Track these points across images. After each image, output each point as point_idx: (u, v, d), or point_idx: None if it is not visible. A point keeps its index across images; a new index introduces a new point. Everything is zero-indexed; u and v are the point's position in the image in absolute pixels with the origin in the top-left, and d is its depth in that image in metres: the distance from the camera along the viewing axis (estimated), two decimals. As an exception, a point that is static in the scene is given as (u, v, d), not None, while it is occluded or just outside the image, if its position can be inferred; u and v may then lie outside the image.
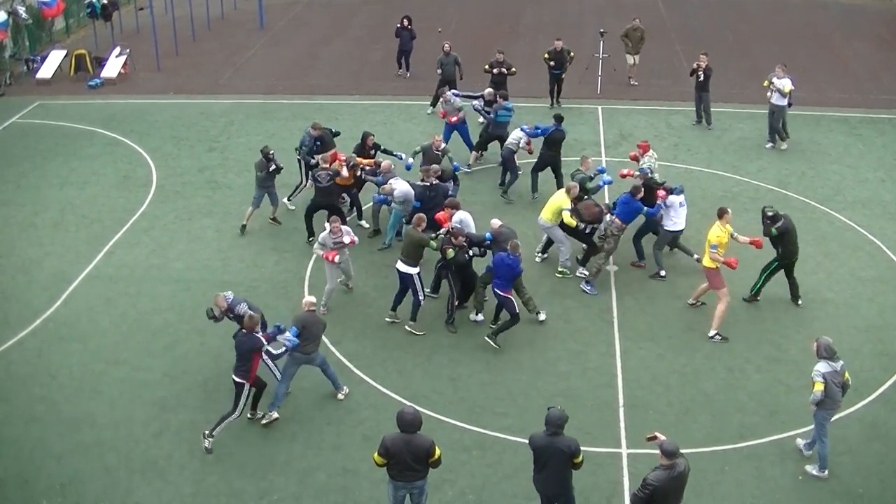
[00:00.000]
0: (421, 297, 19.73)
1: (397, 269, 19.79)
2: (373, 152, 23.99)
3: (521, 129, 25.08)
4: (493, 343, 19.18)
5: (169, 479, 16.05)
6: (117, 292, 21.32)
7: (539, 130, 24.91)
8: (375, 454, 13.90)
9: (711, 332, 19.58)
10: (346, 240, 19.88)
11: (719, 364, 18.85)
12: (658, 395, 17.95)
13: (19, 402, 17.89)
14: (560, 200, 21.07)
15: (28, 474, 16.14)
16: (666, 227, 21.61)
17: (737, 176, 26.30)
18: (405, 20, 33.95)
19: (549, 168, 24.78)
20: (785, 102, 27.65)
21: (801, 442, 16.55)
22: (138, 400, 17.85)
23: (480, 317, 20.21)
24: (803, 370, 18.49)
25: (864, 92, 33.35)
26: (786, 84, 27.36)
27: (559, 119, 24.58)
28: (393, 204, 22.03)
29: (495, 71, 29.03)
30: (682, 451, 13.36)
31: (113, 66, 34.74)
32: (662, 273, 21.63)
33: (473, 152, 26.66)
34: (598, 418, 17.37)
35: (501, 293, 19.01)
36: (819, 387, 15.35)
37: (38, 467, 16.28)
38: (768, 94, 27.78)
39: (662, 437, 13.40)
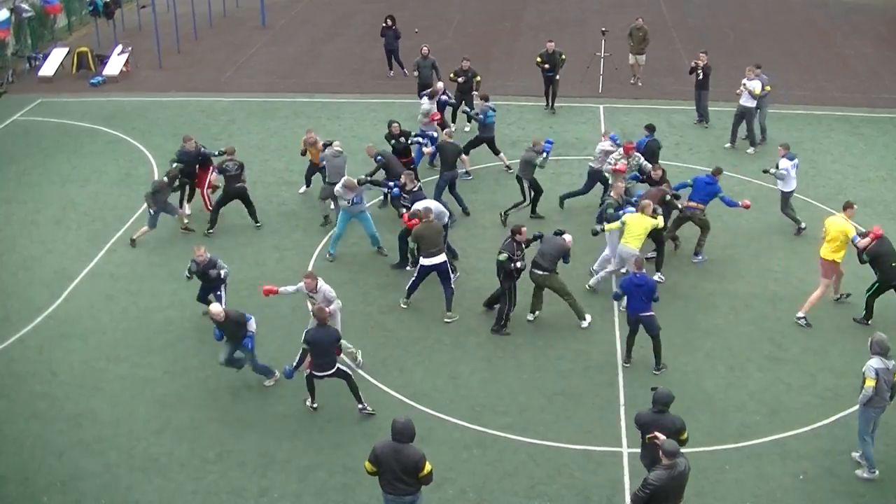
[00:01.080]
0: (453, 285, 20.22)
1: (430, 265, 19.95)
2: (402, 140, 24.35)
3: (612, 139, 24.07)
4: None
5: (169, 477, 16.06)
6: (118, 290, 21.35)
7: (635, 144, 23.90)
8: (367, 460, 13.73)
9: (800, 315, 19.95)
10: (323, 303, 18.13)
11: (720, 363, 18.85)
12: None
13: (20, 398, 17.92)
14: (646, 223, 20.32)
15: (29, 471, 16.15)
16: (784, 190, 23.22)
17: (739, 175, 26.26)
18: (388, 20, 33.98)
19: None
20: (753, 104, 27.60)
21: (855, 455, 16.27)
22: (139, 397, 17.87)
23: (531, 316, 20.17)
24: (804, 370, 18.60)
25: (866, 91, 33.34)
26: (756, 86, 27.29)
27: (651, 129, 24.28)
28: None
29: (461, 79, 28.57)
30: (683, 450, 13.39)
31: (115, 64, 34.78)
32: (803, 225, 23.22)
33: (465, 156, 26.37)
34: (599, 417, 17.38)
35: (643, 314, 18.40)
36: (870, 383, 15.29)
37: (39, 464, 16.29)
38: (739, 91, 27.76)
39: (662, 438, 13.39)
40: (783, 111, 30.98)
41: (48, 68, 34.86)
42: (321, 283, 18.22)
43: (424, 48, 30.18)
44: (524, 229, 19.38)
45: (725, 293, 20.81)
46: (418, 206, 20.63)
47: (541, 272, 19.52)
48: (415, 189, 21.86)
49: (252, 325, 17.53)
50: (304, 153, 24.67)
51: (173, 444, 16.77)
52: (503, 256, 19.10)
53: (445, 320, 20.00)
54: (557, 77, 30.64)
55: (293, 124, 29.18)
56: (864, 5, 44.22)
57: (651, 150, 23.93)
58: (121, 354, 19.13)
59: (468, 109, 26.86)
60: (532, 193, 23.83)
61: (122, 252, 22.81)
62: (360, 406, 17.34)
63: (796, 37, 39.54)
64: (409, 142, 24.53)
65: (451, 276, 20.43)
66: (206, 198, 24.10)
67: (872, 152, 28.37)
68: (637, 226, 20.22)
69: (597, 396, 17.93)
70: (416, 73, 30.10)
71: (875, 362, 15.39)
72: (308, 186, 25.27)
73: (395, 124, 24.46)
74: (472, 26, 40.56)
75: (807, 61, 35.99)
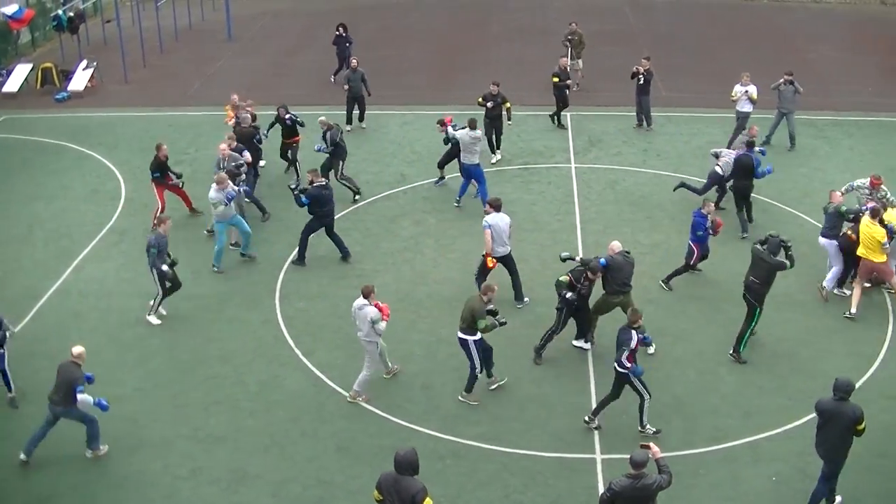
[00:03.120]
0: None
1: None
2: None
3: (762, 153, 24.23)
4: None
5: (142, 494, 15.96)
6: (87, 307, 21.20)
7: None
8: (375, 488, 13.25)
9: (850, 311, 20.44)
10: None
11: (690, 367, 18.91)
12: (631, 399, 17.94)
13: (-10, 419, 17.76)
14: (875, 233, 20.14)
15: (1, 492, 16.02)
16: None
17: (706, 180, 26.32)
18: (340, 28, 34.02)
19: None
20: (751, 108, 27.82)
21: None
22: (109, 415, 17.66)
23: (587, 345, 19.59)
24: (775, 372, 18.71)
25: (830, 94, 33.56)
26: (754, 90, 27.68)
27: (750, 145, 23.78)
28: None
29: (489, 104, 26.81)
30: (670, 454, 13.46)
31: (80, 79, 34.60)
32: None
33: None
34: (572, 424, 17.38)
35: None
36: None
37: (11, 485, 16.16)
38: (736, 99, 27.99)
39: (656, 449, 13.39)
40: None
41: (12, 84, 34.63)
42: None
43: (354, 61, 30.20)
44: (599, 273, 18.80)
45: (694, 297, 20.87)
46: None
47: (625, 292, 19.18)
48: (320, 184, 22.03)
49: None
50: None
51: (145, 462, 16.64)
52: (564, 279, 18.69)
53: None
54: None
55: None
56: (827, 10, 44.54)
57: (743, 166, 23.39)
58: (90, 372, 18.94)
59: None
60: None
61: (91, 269, 22.65)
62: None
63: (761, 41, 39.73)
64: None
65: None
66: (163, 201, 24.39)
67: (837, 155, 28.55)
68: (872, 236, 20.19)
69: (569, 404, 17.93)
70: (346, 87, 30.04)
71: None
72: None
73: (282, 108, 26.22)
74: (438, 37, 40.58)
75: (770, 66, 36.12)
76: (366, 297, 17.54)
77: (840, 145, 29.27)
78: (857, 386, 18.10)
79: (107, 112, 32.55)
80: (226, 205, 21.69)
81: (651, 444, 13.46)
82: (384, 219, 24.08)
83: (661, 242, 22.55)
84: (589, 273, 18.50)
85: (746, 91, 27.86)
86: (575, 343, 19.49)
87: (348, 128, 30.05)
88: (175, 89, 34.57)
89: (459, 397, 18.12)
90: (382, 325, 17.56)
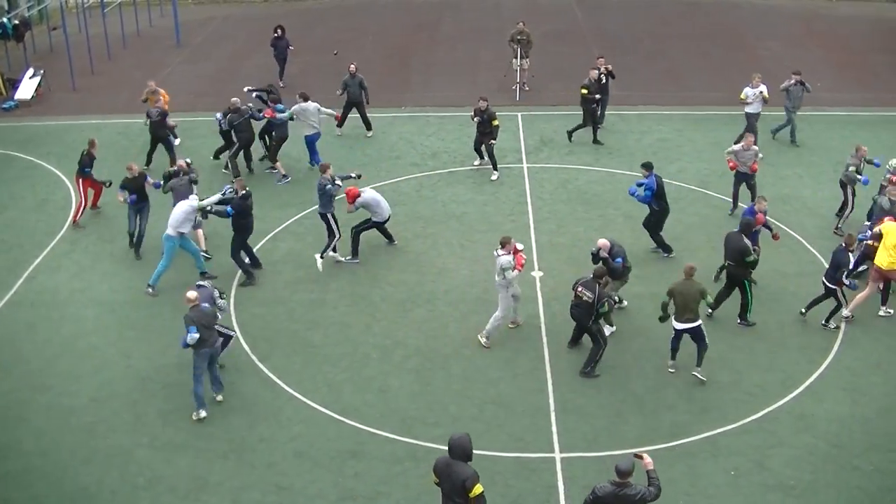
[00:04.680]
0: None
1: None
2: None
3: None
4: None
5: (100, 505, 15.85)
6: (40, 317, 20.98)
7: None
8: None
9: (846, 313, 20.37)
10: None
11: (648, 364, 19.01)
12: (589, 397, 18.06)
13: (-58, 434, 17.54)
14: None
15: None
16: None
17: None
18: (279, 30, 34.01)
19: None
20: (760, 109, 27.88)
21: None
22: (65, 426, 17.57)
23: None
24: (732, 367, 18.86)
25: (776, 90, 33.79)
26: (764, 89, 27.72)
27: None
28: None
29: (476, 119, 26.45)
30: (615, 452, 13.50)
31: (27, 88, 34.23)
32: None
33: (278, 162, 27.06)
34: (531, 423, 17.43)
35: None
36: None
37: (-36, 500, 15.98)
38: (747, 101, 27.92)
39: (648, 460, 13.34)
40: (699, 113, 31.36)
41: (-42, 95, 34.26)
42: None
43: (352, 66, 29.85)
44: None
45: (651, 295, 20.93)
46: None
47: None
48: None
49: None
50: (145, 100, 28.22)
51: (102, 472, 16.50)
52: (605, 308, 18.55)
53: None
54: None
55: (211, 143, 28.84)
56: (774, 7, 44.87)
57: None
58: (45, 383, 18.79)
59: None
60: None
61: (43, 279, 22.42)
62: None
63: (710, 39, 39.99)
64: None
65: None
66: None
67: (789, 150, 28.77)
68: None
69: (527, 403, 17.97)
70: (339, 93, 29.69)
71: None
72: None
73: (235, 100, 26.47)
74: (390, 38, 40.49)
75: (721, 63, 36.46)
76: (503, 246, 19.15)
77: (788, 140, 29.46)
78: (811, 379, 18.46)
79: (55, 121, 32.19)
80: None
81: (644, 455, 13.43)
82: (341, 221, 23.92)
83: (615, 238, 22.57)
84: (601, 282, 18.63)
85: (761, 92, 27.70)
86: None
87: (338, 132, 30.07)
88: (124, 96, 34.20)
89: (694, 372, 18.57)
90: (512, 273, 18.98)
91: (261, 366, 19.11)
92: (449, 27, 42.59)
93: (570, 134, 29.29)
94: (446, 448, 13.96)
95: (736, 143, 25.38)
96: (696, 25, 42.21)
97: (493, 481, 15.94)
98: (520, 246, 19.55)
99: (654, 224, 22.47)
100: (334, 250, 22.33)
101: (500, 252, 19.23)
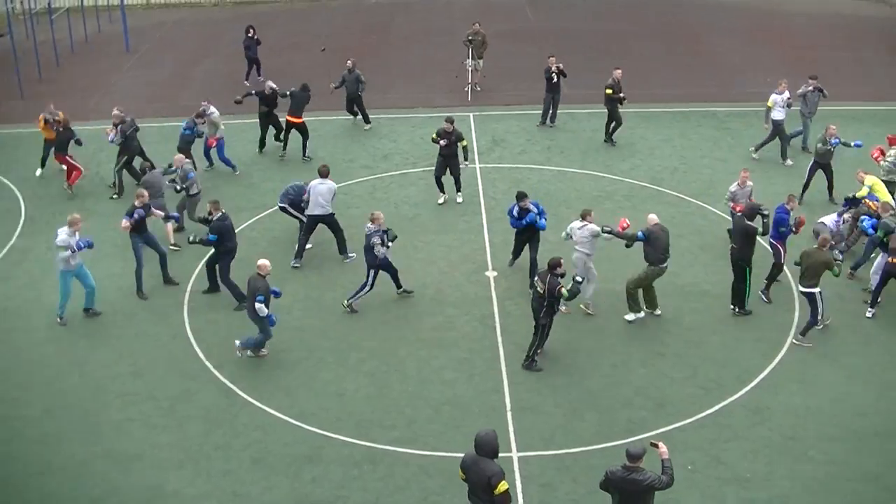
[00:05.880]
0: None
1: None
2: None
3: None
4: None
5: (54, 518, 15.70)
6: (-10, 328, 20.77)
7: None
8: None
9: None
10: None
11: (603, 361, 19.09)
12: (545, 396, 18.09)
13: None
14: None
15: None
16: None
17: (610, 175, 26.68)
18: (251, 30, 33.93)
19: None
20: (784, 116, 27.40)
21: None
22: (18, 438, 17.37)
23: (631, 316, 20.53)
24: (686, 362, 18.99)
25: (729, 86, 34.09)
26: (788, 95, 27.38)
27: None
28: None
29: (443, 142, 24.99)
30: (571, 450, 13.54)
31: (-26, 97, 33.89)
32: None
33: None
34: (488, 424, 17.18)
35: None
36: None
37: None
38: (773, 109, 27.34)
39: (664, 448, 13.33)
40: (651, 110, 31.50)
41: None
42: None
43: (349, 61, 30.07)
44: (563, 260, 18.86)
45: (605, 292, 21.00)
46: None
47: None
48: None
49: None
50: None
51: (57, 485, 16.33)
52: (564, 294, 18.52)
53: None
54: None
55: (164, 149, 28.55)
56: (724, 4, 45.12)
57: None
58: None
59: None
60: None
61: (-7, 290, 22.21)
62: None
63: (662, 37, 40.16)
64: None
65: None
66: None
67: (740, 145, 28.98)
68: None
69: (483, 404, 17.99)
70: (335, 86, 29.98)
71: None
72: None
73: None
74: (342, 40, 40.32)
75: (674, 60, 36.66)
76: (583, 218, 20.25)
77: (742, 136, 29.70)
78: (765, 372, 18.61)
79: (3, 129, 31.81)
80: (73, 252, 20.24)
81: (660, 444, 13.42)
82: (293, 227, 23.81)
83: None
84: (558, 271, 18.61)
85: (787, 98, 27.18)
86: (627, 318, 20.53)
87: (367, 127, 30.48)
88: (74, 103, 33.77)
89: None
90: (604, 235, 20.26)
91: (216, 373, 19.00)
92: (400, 28, 42.48)
93: (608, 137, 29.24)
94: (405, 450, 14.08)
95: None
96: (647, 23, 42.34)
97: (451, 482, 15.83)
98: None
99: None
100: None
101: (580, 223, 20.28)
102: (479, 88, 33.29)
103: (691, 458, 16.48)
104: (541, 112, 30.54)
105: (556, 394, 18.19)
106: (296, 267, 22.44)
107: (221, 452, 16.93)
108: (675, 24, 42.21)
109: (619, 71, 28.83)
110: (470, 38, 32.90)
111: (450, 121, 25.17)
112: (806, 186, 24.82)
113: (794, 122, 28.51)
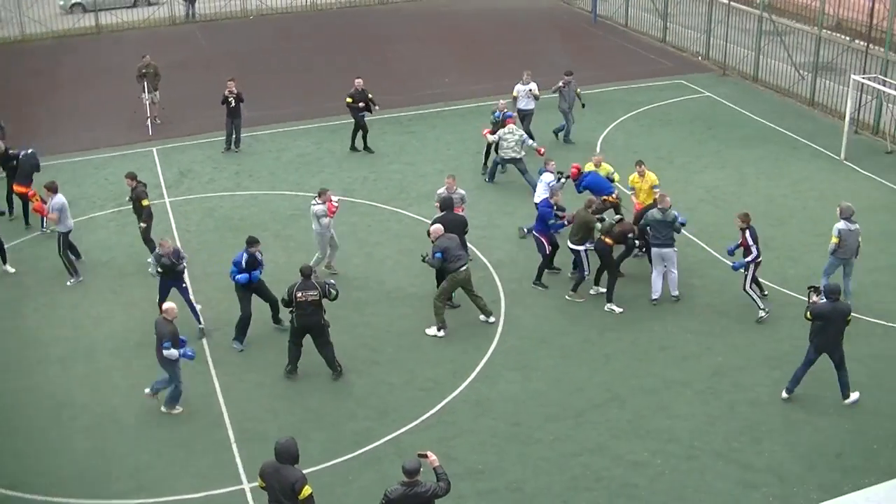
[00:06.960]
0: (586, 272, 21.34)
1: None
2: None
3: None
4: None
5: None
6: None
7: None
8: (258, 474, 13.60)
9: None
10: None
11: (320, 377, 18.98)
12: (267, 422, 17.84)
13: None
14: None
15: None
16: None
17: (302, 193, 26.58)
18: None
19: None
20: (534, 105, 28.78)
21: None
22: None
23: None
24: (402, 367, 19.19)
25: (411, 90, 34.82)
26: (534, 86, 28.62)
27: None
28: None
29: None
30: (305, 470, 13.42)
31: None
32: None
33: None
34: (215, 459, 17.04)
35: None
36: (834, 240, 19.86)
37: None
38: (519, 98, 28.82)
39: (433, 457, 13.32)
40: (335, 123, 31.64)
41: None
42: None
43: (358, 80, 29.37)
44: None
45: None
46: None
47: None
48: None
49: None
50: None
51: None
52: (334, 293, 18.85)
53: None
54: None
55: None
56: (395, 10, 45.91)
57: None
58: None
59: None
60: None
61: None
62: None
63: (339, 48, 40.55)
64: None
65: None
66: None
67: (426, 148, 29.62)
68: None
69: (207, 440, 17.56)
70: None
71: (840, 224, 19.80)
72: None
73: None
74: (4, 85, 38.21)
75: (352, 69, 36.86)
76: (319, 196, 21.51)
77: (426, 137, 30.32)
78: (481, 364, 19.00)
79: None
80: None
81: (428, 453, 13.40)
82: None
83: (270, 260, 22.22)
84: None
85: (531, 90, 28.66)
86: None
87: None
88: None
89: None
90: (325, 220, 21.49)
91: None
92: (68, 71, 40.45)
93: (364, 146, 29.71)
94: (132, 501, 13.43)
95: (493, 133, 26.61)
96: (324, 36, 42.66)
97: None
98: (335, 197, 21.89)
99: None
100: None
101: (317, 202, 21.51)
102: (158, 121, 32.47)
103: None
104: (224, 138, 30.11)
105: (279, 418, 17.96)
106: None
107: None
108: (349, 33, 42.71)
109: (360, 80, 29.31)
110: (143, 70, 32.11)
111: (130, 176, 23.26)
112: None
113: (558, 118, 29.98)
